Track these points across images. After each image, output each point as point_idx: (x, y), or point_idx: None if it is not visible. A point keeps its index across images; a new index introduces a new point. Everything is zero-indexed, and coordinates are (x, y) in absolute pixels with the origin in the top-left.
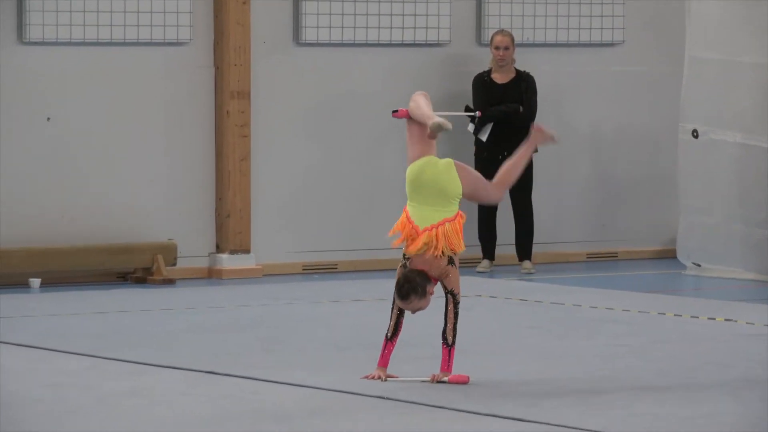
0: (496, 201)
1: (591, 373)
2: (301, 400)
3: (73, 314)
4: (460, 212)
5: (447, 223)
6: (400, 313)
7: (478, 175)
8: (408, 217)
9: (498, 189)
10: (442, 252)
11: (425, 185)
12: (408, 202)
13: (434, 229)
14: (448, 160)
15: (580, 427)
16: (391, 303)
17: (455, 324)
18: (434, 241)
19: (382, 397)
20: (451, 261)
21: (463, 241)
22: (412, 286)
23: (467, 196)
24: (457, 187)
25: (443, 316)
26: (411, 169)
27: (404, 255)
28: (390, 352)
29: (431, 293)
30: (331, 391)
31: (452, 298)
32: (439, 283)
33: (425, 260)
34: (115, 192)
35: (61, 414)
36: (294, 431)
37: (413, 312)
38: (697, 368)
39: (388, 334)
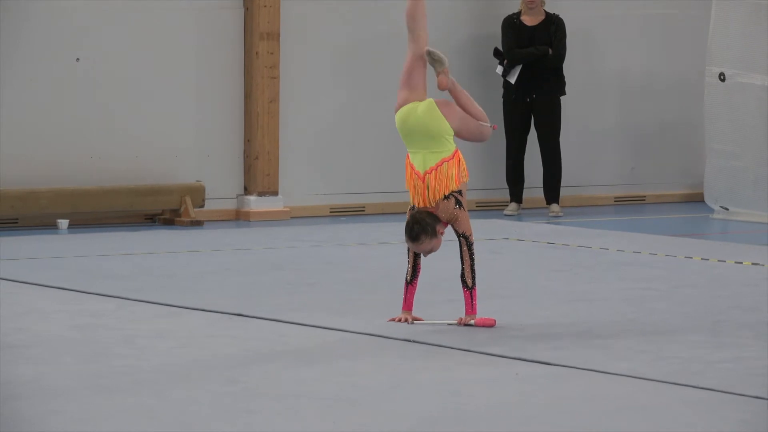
0: (485, 137)
1: (618, 317)
2: (327, 342)
3: (101, 255)
4: (458, 149)
5: (444, 163)
6: (416, 256)
7: (462, 112)
8: (410, 165)
9: (481, 126)
10: (446, 195)
11: (413, 132)
12: (407, 150)
13: (433, 172)
14: (429, 101)
15: (607, 371)
16: (406, 248)
17: (472, 266)
18: (434, 188)
19: (409, 340)
20: (458, 203)
21: (466, 171)
22: (422, 227)
23: (459, 134)
24: (443, 124)
25: (459, 261)
26: (397, 120)
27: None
28: (412, 295)
29: (441, 233)
30: (358, 334)
31: (464, 240)
32: (450, 227)
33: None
34: (144, 133)
35: (89, 355)
36: (320, 374)
37: (425, 254)
38: (723, 311)
39: (408, 278)
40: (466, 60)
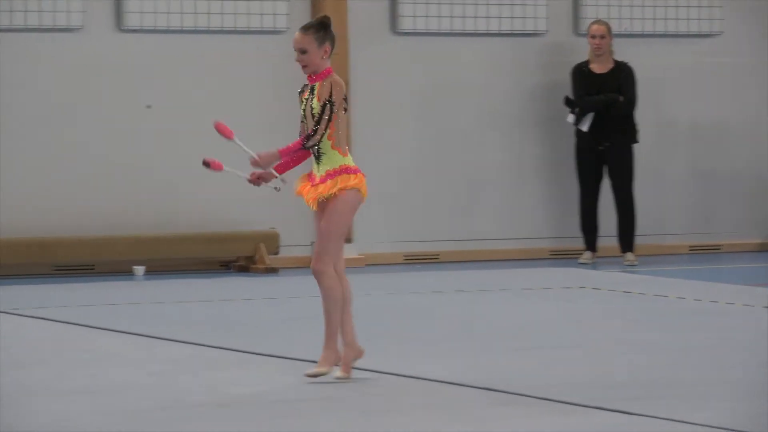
0: None
1: (697, 367)
2: (401, 389)
3: (177, 302)
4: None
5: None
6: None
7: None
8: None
9: None
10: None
11: None
12: None
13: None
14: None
15: (688, 421)
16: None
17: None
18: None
19: (487, 388)
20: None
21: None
22: (317, 24)
23: None
24: None
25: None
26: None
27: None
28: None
29: (325, 57)
30: (434, 382)
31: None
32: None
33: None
34: (217, 181)
35: (165, 401)
36: (395, 421)
37: (298, 58)
38: None
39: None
40: (537, 108)
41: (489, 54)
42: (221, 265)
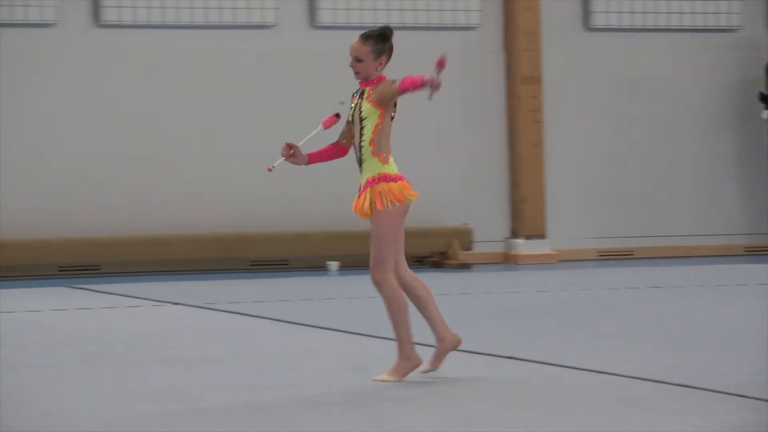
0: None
1: None
2: (601, 386)
3: (370, 297)
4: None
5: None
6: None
7: None
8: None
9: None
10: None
11: None
12: None
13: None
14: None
15: None
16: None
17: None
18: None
19: (681, 385)
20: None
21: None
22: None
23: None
24: None
25: None
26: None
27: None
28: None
29: (379, 69)
30: (630, 378)
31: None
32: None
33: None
34: (411, 177)
35: (361, 397)
36: (594, 420)
37: (352, 63)
38: None
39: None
40: (730, 104)
41: (681, 50)
42: (415, 261)
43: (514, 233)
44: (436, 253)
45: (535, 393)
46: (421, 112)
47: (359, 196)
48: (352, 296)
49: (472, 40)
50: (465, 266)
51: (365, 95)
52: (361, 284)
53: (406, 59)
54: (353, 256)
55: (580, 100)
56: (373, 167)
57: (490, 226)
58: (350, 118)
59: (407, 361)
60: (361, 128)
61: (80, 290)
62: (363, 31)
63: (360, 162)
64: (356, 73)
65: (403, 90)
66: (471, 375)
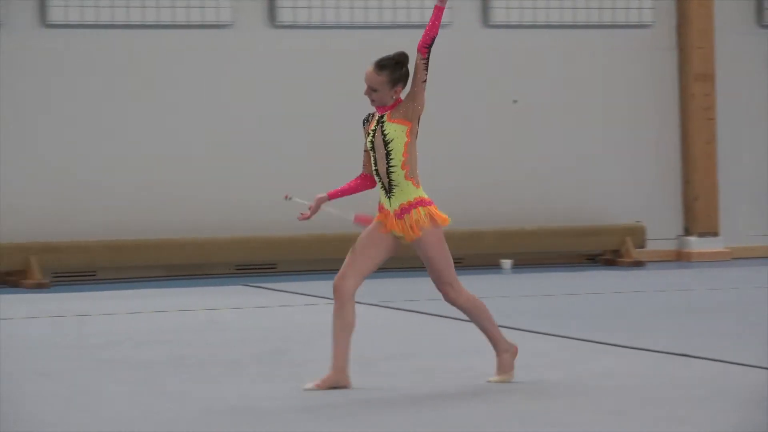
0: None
1: None
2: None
3: (545, 295)
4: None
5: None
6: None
7: None
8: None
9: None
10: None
11: None
12: None
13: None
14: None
15: None
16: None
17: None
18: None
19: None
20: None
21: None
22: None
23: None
24: None
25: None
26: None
27: None
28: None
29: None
30: None
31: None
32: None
33: None
34: (584, 175)
35: (533, 394)
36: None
37: (368, 91)
38: None
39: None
40: None
41: None
42: (587, 259)
43: (687, 231)
44: (609, 251)
45: (702, 393)
46: (589, 110)
47: (388, 219)
48: (526, 294)
49: (645, 38)
50: (638, 264)
51: (385, 118)
52: (535, 282)
53: (579, 58)
54: (526, 254)
55: (753, 98)
56: (408, 192)
57: (662, 224)
58: (370, 145)
59: (507, 353)
60: (388, 152)
61: (259, 289)
62: (378, 59)
63: (389, 189)
64: (372, 100)
65: (427, 43)
66: (639, 373)
